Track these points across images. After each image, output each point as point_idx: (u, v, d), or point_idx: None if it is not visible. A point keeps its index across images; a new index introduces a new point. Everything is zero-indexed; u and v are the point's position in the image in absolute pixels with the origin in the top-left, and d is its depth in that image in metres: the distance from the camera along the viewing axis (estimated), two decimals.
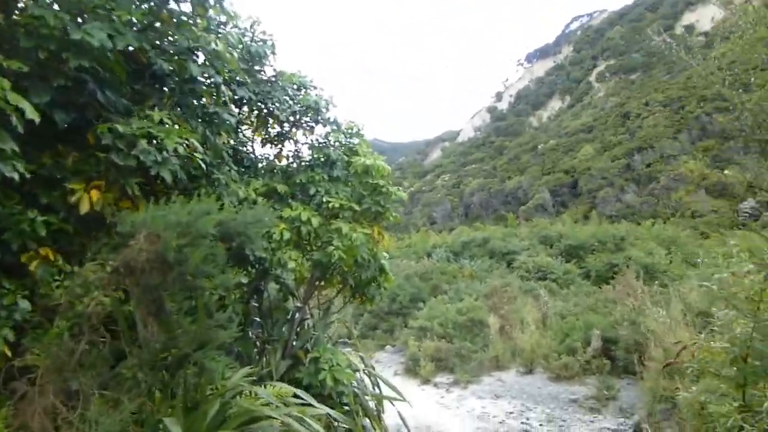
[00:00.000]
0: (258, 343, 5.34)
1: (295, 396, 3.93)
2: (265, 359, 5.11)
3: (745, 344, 3.75)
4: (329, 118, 4.91)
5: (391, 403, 6.04)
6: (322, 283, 5.92)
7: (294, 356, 5.19)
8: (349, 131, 5.09)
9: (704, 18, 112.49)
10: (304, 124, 4.90)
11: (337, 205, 4.61)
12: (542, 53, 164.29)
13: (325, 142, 5.01)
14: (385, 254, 5.89)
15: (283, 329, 5.49)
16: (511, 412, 8.71)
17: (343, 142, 5.15)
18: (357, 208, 4.76)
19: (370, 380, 6.13)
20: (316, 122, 4.89)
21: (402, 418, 5.96)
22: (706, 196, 54.14)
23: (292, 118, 4.81)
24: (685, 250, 21.37)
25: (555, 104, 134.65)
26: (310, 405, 3.83)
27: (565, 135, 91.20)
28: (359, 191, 4.82)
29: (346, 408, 5.31)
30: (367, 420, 5.64)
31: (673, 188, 56.93)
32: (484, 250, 23.74)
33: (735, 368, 3.79)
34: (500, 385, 10.32)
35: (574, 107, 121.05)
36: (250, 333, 5.38)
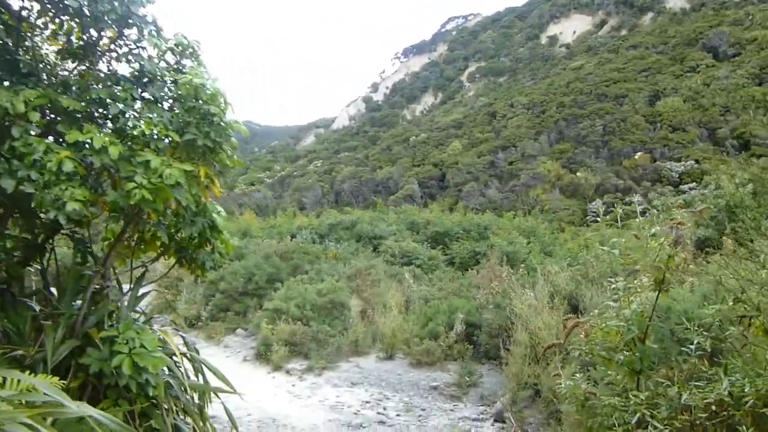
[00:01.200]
0: (39, 319, 4.06)
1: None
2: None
3: (644, 322, 3.13)
4: (145, 17, 3.66)
5: (217, 395, 4.95)
6: (137, 243, 4.71)
7: (86, 336, 3.97)
8: (179, 47, 3.89)
9: (567, 31, 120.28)
10: (112, 26, 3.63)
11: (147, 132, 3.43)
12: (419, 49, 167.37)
13: (138, 51, 3.78)
14: (218, 208, 4.77)
15: (77, 301, 4.22)
16: (367, 402, 7.93)
17: (171, 62, 3.97)
18: (177, 138, 3.60)
19: (193, 367, 4.98)
20: (125, 24, 3.61)
21: (228, 413, 4.90)
22: (560, 195, 57.59)
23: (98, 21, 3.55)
24: (543, 240, 21.98)
25: (428, 99, 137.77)
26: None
27: (437, 129, 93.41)
28: (183, 118, 3.66)
29: (154, 403, 4.16)
30: (185, 417, 4.52)
31: (532, 186, 59.95)
32: (351, 233, 23.01)
33: (630, 351, 3.16)
34: (358, 371, 9.52)
35: (446, 104, 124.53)
36: (32, 305, 4.10)
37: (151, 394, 3.93)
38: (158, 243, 4.79)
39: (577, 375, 3.76)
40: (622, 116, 65.10)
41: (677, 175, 52.08)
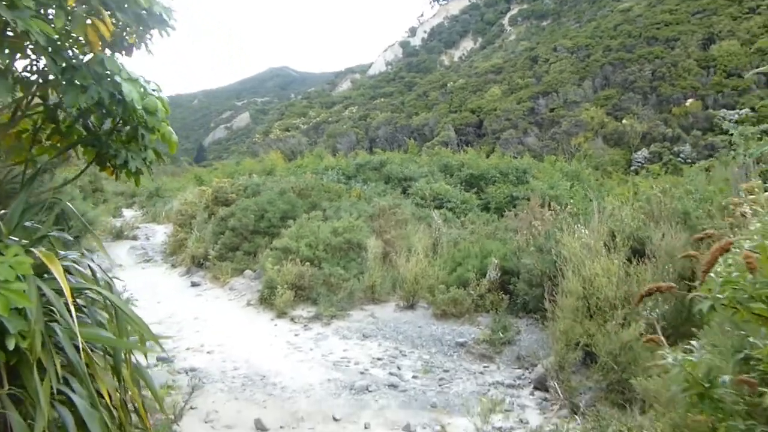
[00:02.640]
0: None
1: None
2: None
3: None
4: None
5: (142, 352, 3.59)
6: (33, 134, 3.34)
7: None
8: None
9: None
10: None
11: None
12: None
13: None
14: (152, 84, 3.36)
15: None
16: (379, 358, 6.56)
17: None
18: None
19: (108, 312, 3.58)
20: None
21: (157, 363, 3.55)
22: (603, 143, 54.80)
23: None
24: (589, 185, 20.12)
25: (467, 44, 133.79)
26: None
27: (475, 75, 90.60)
28: None
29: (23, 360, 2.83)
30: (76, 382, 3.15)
31: (573, 133, 57.17)
32: (380, 174, 21.51)
33: None
34: (372, 322, 8.14)
35: (485, 49, 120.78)
36: None
37: (11, 347, 2.57)
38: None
39: (693, 342, 2.26)
40: (672, 61, 61.18)
41: (732, 123, 48.75)
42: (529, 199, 17.47)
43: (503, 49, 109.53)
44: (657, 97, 59.05)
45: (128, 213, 31.90)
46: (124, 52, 3.60)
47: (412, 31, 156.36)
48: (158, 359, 6.55)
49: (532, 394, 5.53)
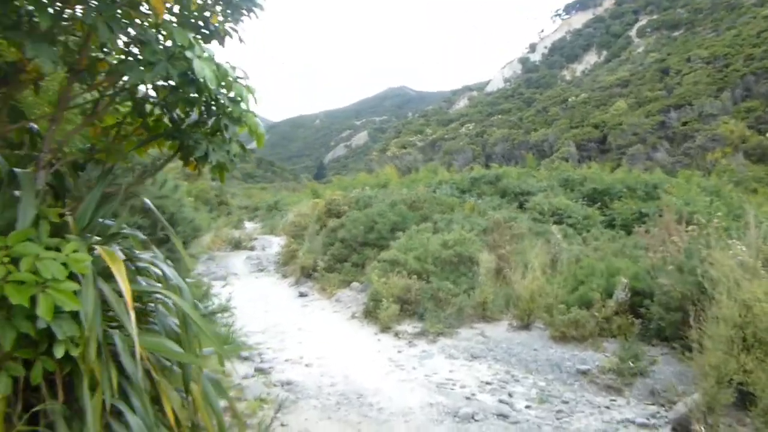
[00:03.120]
0: None
1: None
2: None
3: None
4: None
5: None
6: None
7: None
8: None
9: None
10: None
11: None
12: (582, 5, 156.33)
13: None
14: (242, 72, 3.01)
15: None
16: (488, 383, 5.88)
17: None
18: None
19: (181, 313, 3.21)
20: None
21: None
22: (744, 159, 50.18)
23: None
24: (730, 202, 18.13)
25: (591, 58, 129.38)
26: None
27: (599, 89, 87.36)
28: None
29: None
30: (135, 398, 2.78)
31: (710, 148, 52.96)
32: (496, 188, 20.67)
33: None
34: (482, 341, 7.45)
35: (610, 62, 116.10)
36: None
37: (59, 355, 2.25)
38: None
39: None
40: None
41: None
42: (661, 215, 16.07)
43: (630, 62, 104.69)
44: None
45: (250, 225, 33.13)
46: (214, 41, 3.27)
47: (532, 47, 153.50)
48: (256, 370, 6.29)
49: None
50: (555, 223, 15.79)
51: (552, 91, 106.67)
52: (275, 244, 21.07)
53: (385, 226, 12.06)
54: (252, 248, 20.92)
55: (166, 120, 3.19)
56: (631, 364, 5.88)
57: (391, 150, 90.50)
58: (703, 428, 4.31)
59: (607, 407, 5.28)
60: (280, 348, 7.29)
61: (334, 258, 12.26)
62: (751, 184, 33.43)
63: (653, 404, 5.34)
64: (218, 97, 2.93)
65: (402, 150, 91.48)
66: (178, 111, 3.16)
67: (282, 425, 4.76)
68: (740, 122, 54.86)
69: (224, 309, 5.89)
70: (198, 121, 3.15)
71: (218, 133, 3.10)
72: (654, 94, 70.49)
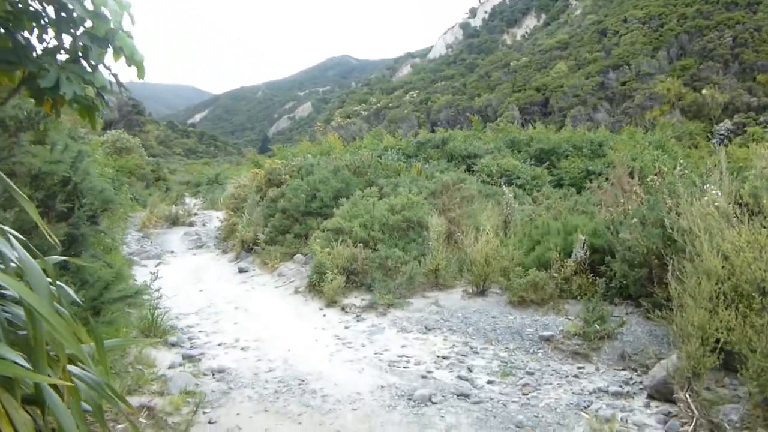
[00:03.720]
0: None
1: None
2: None
3: None
4: None
5: None
6: None
7: None
8: None
9: None
10: None
11: None
12: None
13: None
14: None
15: None
16: (444, 357, 5.30)
17: None
18: None
19: None
20: None
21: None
22: (681, 116, 51.28)
23: None
24: (676, 157, 18.12)
25: (530, 22, 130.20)
26: None
27: (539, 52, 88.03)
28: None
29: None
30: None
31: (648, 107, 54.02)
32: (442, 152, 20.11)
33: None
34: (436, 311, 6.88)
35: (549, 25, 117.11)
36: None
37: None
38: None
39: None
40: (756, 25, 56.68)
41: None
42: (606, 176, 15.92)
43: (569, 25, 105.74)
44: (739, 65, 54.99)
45: (192, 201, 31.80)
46: None
47: (473, 12, 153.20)
48: (184, 357, 5.55)
49: (647, 406, 4.17)
50: (504, 184, 15.41)
51: (493, 56, 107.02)
52: (216, 219, 20.06)
53: (328, 193, 11.32)
54: (191, 224, 19.85)
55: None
56: (598, 327, 5.41)
57: (335, 120, 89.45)
58: (687, 395, 3.84)
59: (576, 376, 4.78)
60: (214, 330, 6.55)
61: (275, 230, 11.47)
62: (691, 139, 34.07)
63: (624, 369, 4.88)
64: (71, 7, 2.13)
65: (347, 120, 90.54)
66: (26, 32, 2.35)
67: (210, 422, 4.07)
68: (676, 80, 55.91)
69: (139, 291, 5.09)
70: (57, 46, 2.36)
71: (78, 61, 2.31)
72: (593, 55, 71.34)
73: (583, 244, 7.03)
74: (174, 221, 19.51)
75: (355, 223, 8.86)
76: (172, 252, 14.10)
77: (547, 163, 18.47)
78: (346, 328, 6.47)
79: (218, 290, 9.08)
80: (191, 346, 5.96)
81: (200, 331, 6.53)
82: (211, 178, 32.53)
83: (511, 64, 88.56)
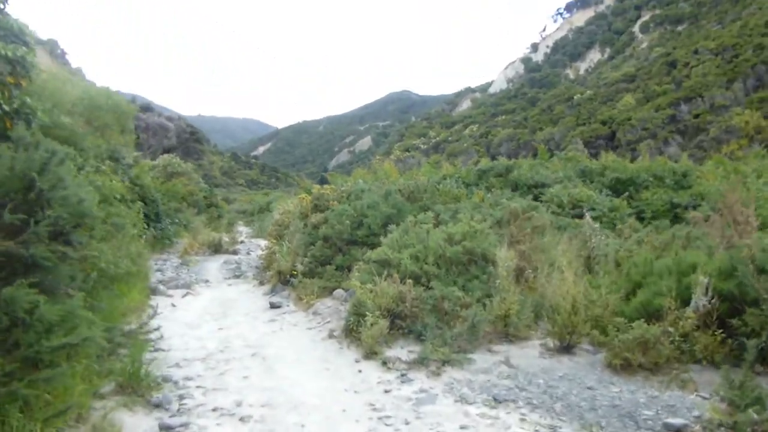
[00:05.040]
0: None
1: None
2: None
3: None
4: None
5: None
6: None
7: None
8: None
9: None
10: None
11: None
12: (583, 3, 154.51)
13: None
14: None
15: None
16: None
17: None
18: None
19: None
20: None
21: None
22: (761, 149, 47.78)
23: None
24: None
25: (594, 56, 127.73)
26: None
27: (604, 86, 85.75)
28: None
29: None
30: None
31: (724, 141, 50.63)
32: (506, 181, 18.37)
33: None
34: (507, 374, 5.16)
35: (614, 59, 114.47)
36: None
37: None
38: None
39: None
40: None
41: None
42: (695, 207, 13.92)
43: (635, 58, 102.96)
44: None
45: (245, 229, 31.00)
46: None
47: (534, 47, 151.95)
48: (161, 428, 4.06)
49: None
50: (576, 216, 13.57)
51: (556, 89, 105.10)
52: (261, 247, 18.88)
53: (376, 220, 9.81)
54: (234, 252, 18.72)
55: None
56: (755, 416, 3.61)
57: (394, 153, 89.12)
58: None
59: None
60: (215, 387, 5.03)
61: (315, 260, 10.01)
62: None
63: None
64: None
65: (405, 153, 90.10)
66: None
67: None
68: (754, 112, 52.44)
69: (88, 339, 3.63)
70: None
71: None
72: (662, 87, 68.39)
73: (706, 288, 5.23)
74: (217, 249, 18.42)
75: (405, 254, 7.27)
76: (207, 281, 12.85)
77: (626, 194, 16.47)
78: (386, 392, 4.84)
79: (240, 329, 7.62)
80: (178, 410, 4.46)
81: (198, 387, 5.03)
82: (262, 206, 31.67)
83: (575, 97, 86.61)
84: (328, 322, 7.51)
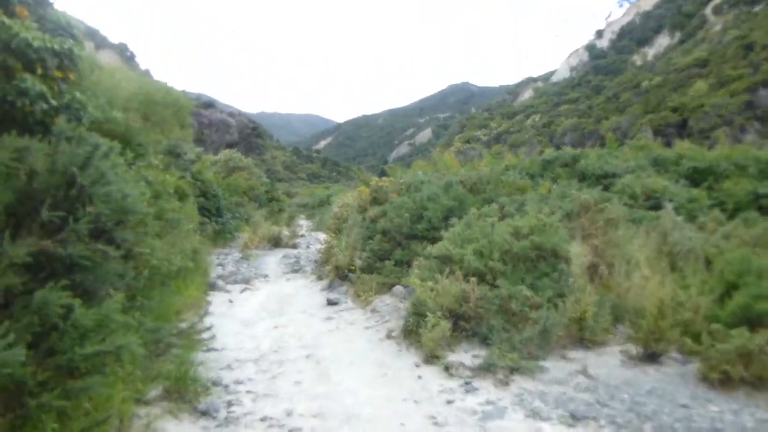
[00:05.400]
0: None
1: None
2: None
3: None
4: None
5: None
6: None
7: None
8: None
9: None
10: None
11: None
12: None
13: None
14: None
15: None
16: None
17: None
18: None
19: None
20: None
21: None
22: None
23: None
24: None
25: (663, 41, 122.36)
26: None
27: (674, 72, 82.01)
28: None
29: None
30: None
31: None
32: (573, 171, 17.50)
33: None
34: (586, 385, 4.62)
35: (684, 43, 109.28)
36: None
37: None
38: None
39: None
40: None
41: None
42: None
43: (707, 42, 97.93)
44: None
45: (306, 223, 31.07)
46: None
47: (599, 34, 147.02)
48: None
49: None
50: (651, 208, 12.70)
51: (622, 76, 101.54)
52: (321, 241, 18.73)
53: (437, 213, 9.34)
54: (294, 246, 18.61)
55: None
56: None
57: (455, 145, 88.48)
58: None
59: None
60: (266, 392, 4.71)
61: (374, 255, 9.63)
62: None
63: None
64: None
65: (466, 145, 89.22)
66: None
67: None
68: None
69: (122, 347, 3.34)
70: None
71: None
72: (738, 72, 64.70)
73: None
74: (276, 242, 18.36)
75: (468, 249, 6.78)
76: (265, 276, 12.69)
77: (705, 184, 15.37)
78: (449, 403, 4.39)
79: (296, 327, 7.32)
80: (225, 419, 4.15)
81: (248, 392, 4.73)
82: (323, 199, 31.60)
83: (643, 84, 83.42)
84: (387, 321, 7.12)
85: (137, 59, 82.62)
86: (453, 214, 9.20)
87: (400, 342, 6.20)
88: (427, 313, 5.67)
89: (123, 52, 76.05)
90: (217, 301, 9.37)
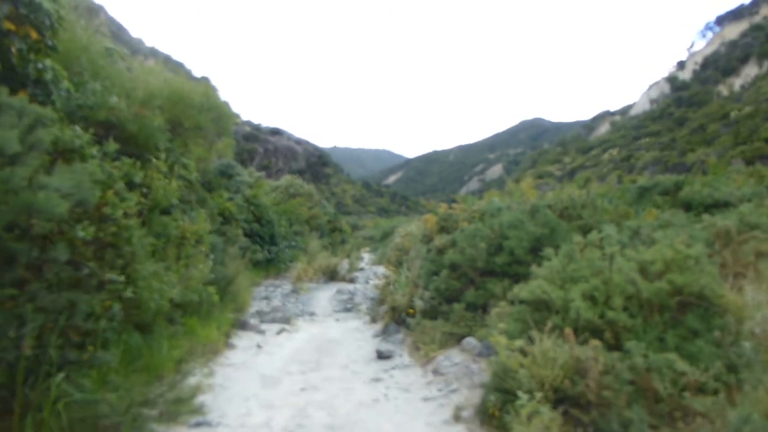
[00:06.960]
0: None
1: None
2: None
3: None
4: None
5: None
6: None
7: None
8: None
9: None
10: None
11: None
12: (736, 15, 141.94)
13: None
14: None
15: None
16: None
17: None
18: None
19: None
20: None
21: None
22: None
23: None
24: None
25: (750, 70, 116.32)
26: None
27: (765, 101, 77.49)
28: None
29: None
30: None
31: None
32: (675, 200, 14.96)
33: None
34: None
35: None
36: None
37: None
38: None
39: None
40: None
41: None
42: None
43: None
44: None
45: (368, 255, 29.41)
46: None
47: (681, 65, 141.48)
48: None
49: None
50: None
51: (708, 107, 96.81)
52: (379, 276, 16.82)
53: (522, 242, 7.23)
54: (351, 280, 16.75)
55: None
56: None
57: (526, 181, 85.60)
58: None
59: None
60: None
61: (439, 294, 7.59)
62: None
63: None
64: None
65: (538, 180, 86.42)
66: None
67: None
68: None
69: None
70: None
71: None
72: None
73: None
74: (332, 275, 16.57)
75: (575, 291, 4.66)
76: (312, 314, 10.86)
77: None
78: None
79: (329, 392, 5.35)
80: None
81: None
82: (387, 230, 29.74)
83: (732, 114, 78.96)
84: (454, 390, 5.04)
85: (218, 92, 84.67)
86: (542, 245, 7.07)
87: (473, 429, 4.13)
88: (519, 393, 3.58)
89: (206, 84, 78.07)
90: (243, 344, 7.57)
